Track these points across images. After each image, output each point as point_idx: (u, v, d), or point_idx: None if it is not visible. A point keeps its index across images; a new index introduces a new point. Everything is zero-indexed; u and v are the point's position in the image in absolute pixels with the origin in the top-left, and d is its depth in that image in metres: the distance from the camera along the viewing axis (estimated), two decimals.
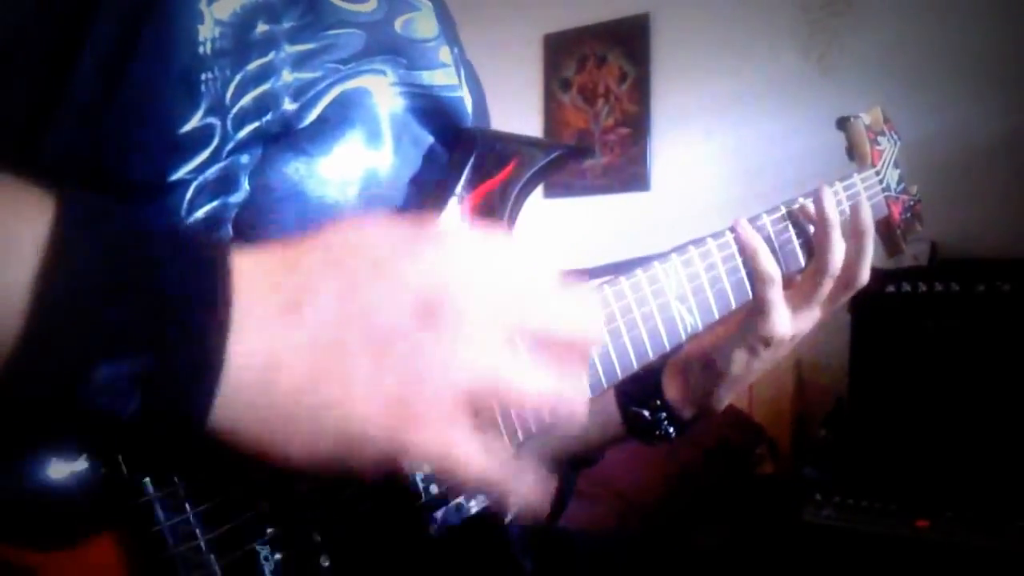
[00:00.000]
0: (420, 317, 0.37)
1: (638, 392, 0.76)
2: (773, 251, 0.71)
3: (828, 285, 0.72)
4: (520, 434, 0.56)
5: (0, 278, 0.31)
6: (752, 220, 0.71)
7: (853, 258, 0.73)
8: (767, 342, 0.71)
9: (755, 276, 0.69)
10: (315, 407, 0.36)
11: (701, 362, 0.75)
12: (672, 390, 0.76)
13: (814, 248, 0.72)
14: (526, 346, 0.40)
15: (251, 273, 0.36)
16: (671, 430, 0.76)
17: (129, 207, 0.37)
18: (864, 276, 0.73)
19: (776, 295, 0.70)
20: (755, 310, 0.70)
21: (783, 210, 0.74)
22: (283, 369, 0.35)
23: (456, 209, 0.59)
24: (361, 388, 0.36)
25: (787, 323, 0.71)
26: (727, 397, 0.75)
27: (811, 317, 0.73)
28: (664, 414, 0.76)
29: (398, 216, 0.55)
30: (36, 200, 0.33)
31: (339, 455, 0.37)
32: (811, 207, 0.73)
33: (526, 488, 0.40)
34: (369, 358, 0.37)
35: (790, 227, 0.73)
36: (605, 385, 0.61)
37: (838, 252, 0.71)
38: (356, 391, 0.36)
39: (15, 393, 0.32)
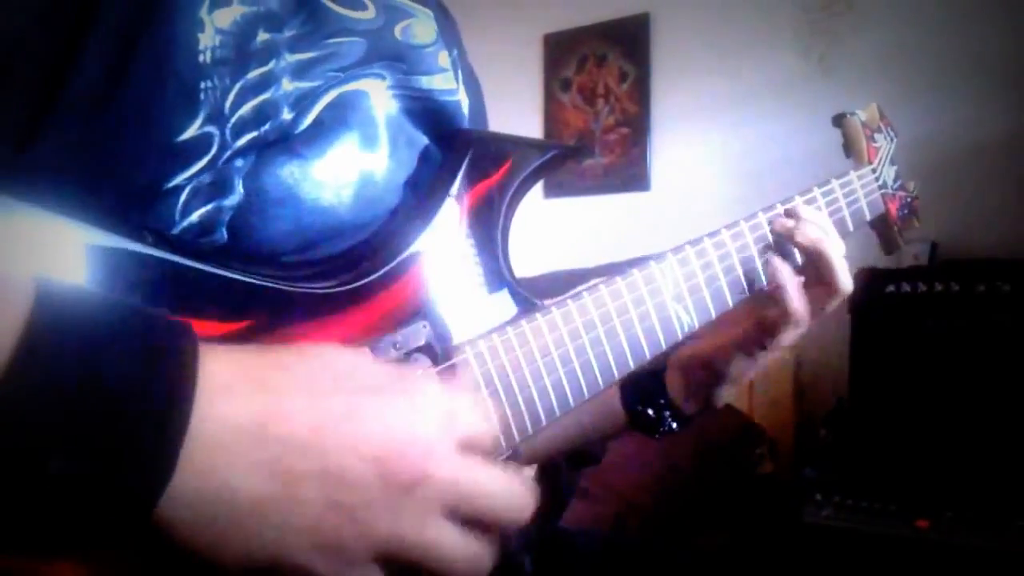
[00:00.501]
0: (371, 473, 0.39)
1: (642, 390, 0.78)
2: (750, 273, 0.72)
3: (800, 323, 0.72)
4: (504, 445, 0.57)
5: None
6: (748, 219, 0.72)
7: (829, 274, 0.72)
8: (774, 348, 0.73)
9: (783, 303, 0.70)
10: (257, 528, 0.36)
11: (701, 363, 0.76)
12: (674, 388, 0.77)
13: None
14: (460, 518, 0.42)
15: (219, 379, 0.37)
16: (674, 425, 0.77)
17: (106, 295, 0.38)
18: (844, 282, 0.73)
19: (792, 291, 0.70)
20: (761, 328, 0.72)
21: (779, 208, 0.74)
22: (233, 484, 0.36)
23: (452, 210, 0.59)
24: (304, 523, 0.37)
25: (790, 337, 0.72)
26: (727, 395, 0.77)
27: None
28: (668, 412, 0.77)
29: (381, 366, 0.57)
30: (16, 290, 0.34)
31: (268, 573, 0.37)
32: (803, 206, 0.74)
33: None
34: (319, 498, 0.38)
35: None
36: (602, 386, 0.62)
37: (797, 304, 0.71)
38: (299, 524, 0.37)
39: None
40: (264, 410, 0.38)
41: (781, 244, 0.73)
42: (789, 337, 0.73)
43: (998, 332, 1.70)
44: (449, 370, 0.55)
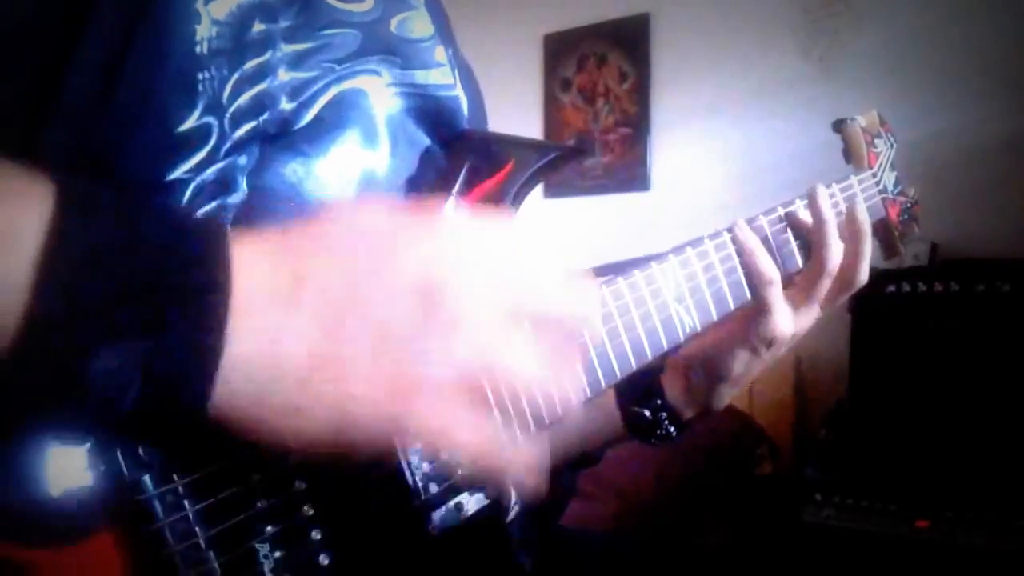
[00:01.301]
0: (417, 301, 0.38)
1: (638, 393, 0.77)
2: (771, 252, 0.71)
3: (826, 284, 0.72)
4: (518, 430, 0.56)
5: (5, 262, 0.31)
6: (750, 221, 0.72)
7: (851, 258, 0.73)
8: (769, 342, 0.72)
9: (754, 277, 0.69)
10: (314, 389, 0.36)
11: (702, 362, 0.75)
12: (673, 390, 0.76)
13: (812, 248, 0.73)
14: (522, 329, 0.40)
15: (250, 257, 0.37)
16: (672, 430, 0.76)
17: (128, 192, 0.37)
18: (863, 276, 0.74)
19: (775, 295, 0.70)
20: (756, 311, 0.71)
21: (780, 211, 0.74)
22: (282, 352, 0.36)
23: (454, 211, 0.59)
24: (359, 370, 0.37)
25: (788, 323, 0.71)
26: (728, 396, 0.75)
27: (811, 316, 0.73)
28: (665, 414, 0.76)
29: (394, 203, 0.55)
30: (36, 187, 0.33)
31: (337, 436, 0.37)
32: (804, 209, 0.74)
33: (522, 469, 0.41)
34: (367, 341, 0.37)
35: (788, 228, 0.74)
36: (604, 385, 0.62)
37: (835, 251, 0.71)
38: (355, 373, 0.37)
39: (16, 380, 0.32)
40: (299, 278, 0.37)
41: (800, 233, 0.73)
42: (796, 326, 0.72)
43: (998, 332, 1.70)
44: None
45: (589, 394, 0.61)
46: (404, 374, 0.37)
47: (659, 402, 0.76)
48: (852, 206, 0.74)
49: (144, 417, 0.33)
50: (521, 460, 0.41)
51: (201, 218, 0.37)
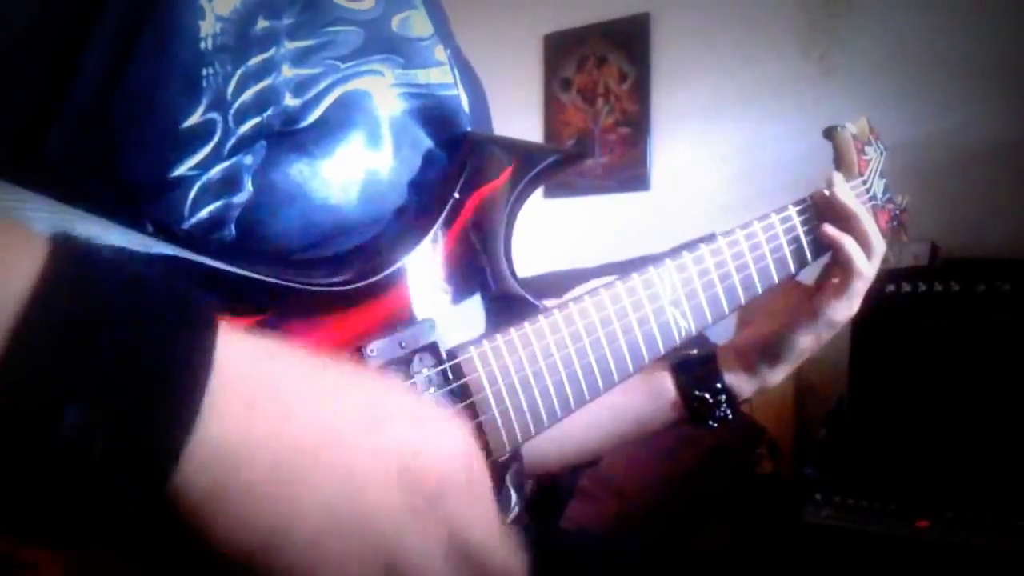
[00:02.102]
0: (396, 482, 0.38)
1: (697, 377, 0.81)
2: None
3: (865, 263, 0.78)
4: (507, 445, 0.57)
5: None
6: (761, 219, 0.74)
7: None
8: (835, 325, 0.78)
9: (847, 255, 0.76)
10: (269, 496, 0.35)
11: (761, 348, 0.81)
12: (730, 373, 0.81)
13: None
14: (459, 558, 0.40)
15: (241, 344, 0.36)
16: (728, 412, 0.81)
17: (127, 253, 0.37)
18: (875, 237, 0.79)
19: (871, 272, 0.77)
20: (831, 294, 0.77)
21: (792, 209, 0.78)
22: (252, 448, 0.35)
23: (455, 216, 0.59)
24: (316, 503, 0.36)
25: (853, 306, 0.78)
26: (782, 377, 0.82)
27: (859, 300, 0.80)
28: (723, 397, 0.80)
29: (414, 228, 0.56)
30: (29, 244, 0.33)
31: (263, 556, 0.36)
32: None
33: None
34: (336, 484, 0.36)
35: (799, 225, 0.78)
36: (603, 389, 0.62)
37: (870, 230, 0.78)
38: (311, 502, 0.36)
39: None
40: (290, 386, 0.36)
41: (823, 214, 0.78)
42: (856, 299, 0.78)
43: (998, 332, 1.70)
44: (454, 369, 0.55)
45: (588, 397, 0.61)
46: (352, 538, 0.36)
47: (718, 385, 0.80)
48: (832, 194, 0.79)
49: (103, 479, 0.32)
50: None
51: (194, 294, 0.36)
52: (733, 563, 0.98)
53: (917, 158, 1.96)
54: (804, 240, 0.77)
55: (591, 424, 0.80)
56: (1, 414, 0.30)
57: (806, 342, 0.80)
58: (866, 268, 0.77)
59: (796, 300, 0.80)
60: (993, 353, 1.70)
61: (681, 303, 0.66)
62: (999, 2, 2.10)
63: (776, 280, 0.75)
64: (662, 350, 0.65)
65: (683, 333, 0.67)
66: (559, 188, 2.77)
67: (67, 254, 0.33)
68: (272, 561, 0.36)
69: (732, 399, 0.81)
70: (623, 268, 0.65)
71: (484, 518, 0.41)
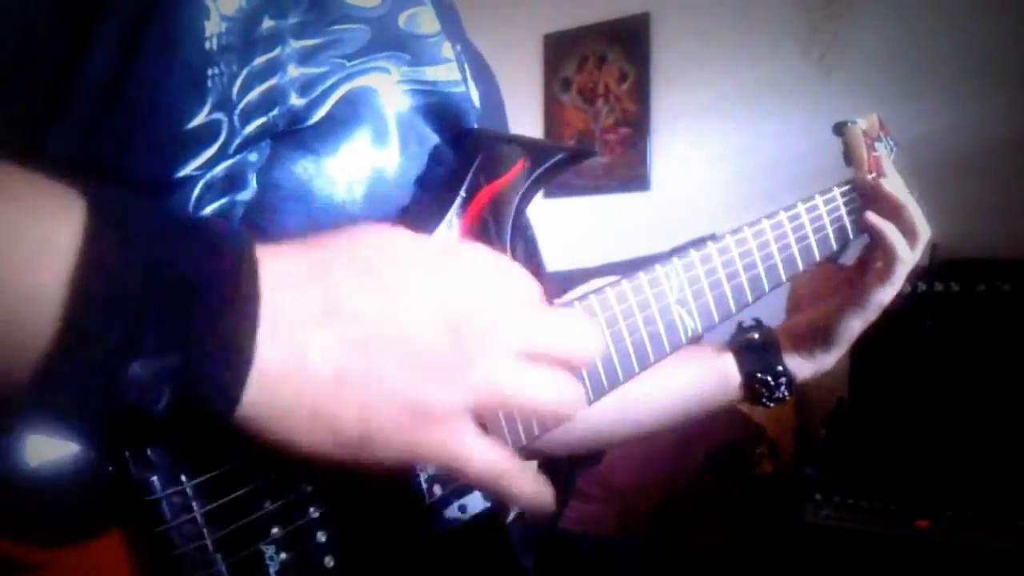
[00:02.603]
0: (441, 330, 0.40)
1: (760, 360, 0.84)
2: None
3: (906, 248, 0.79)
4: (524, 437, 0.57)
5: (36, 279, 0.32)
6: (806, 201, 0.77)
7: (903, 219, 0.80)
8: (880, 306, 0.81)
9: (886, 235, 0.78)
10: (337, 405, 0.37)
11: (814, 333, 0.83)
12: (789, 358, 0.84)
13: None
14: (534, 362, 0.43)
15: (281, 272, 0.37)
16: (786, 394, 0.84)
17: (158, 205, 0.38)
18: (923, 228, 0.80)
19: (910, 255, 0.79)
20: (875, 278, 0.80)
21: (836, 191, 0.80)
22: (308, 366, 0.37)
23: (461, 213, 0.59)
24: (382, 391, 0.38)
25: (899, 285, 0.81)
26: (835, 359, 0.85)
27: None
28: (784, 379, 0.84)
29: (419, 227, 0.57)
30: (68, 200, 0.34)
31: (356, 451, 0.38)
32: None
33: (529, 488, 0.43)
34: (392, 363, 0.38)
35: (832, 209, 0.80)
36: (607, 388, 0.62)
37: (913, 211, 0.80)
38: (377, 393, 0.38)
39: (51, 389, 0.32)
40: (326, 288, 0.38)
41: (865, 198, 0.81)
42: (899, 282, 0.80)
43: (998, 332, 1.70)
44: None
45: (593, 398, 0.61)
46: (424, 399, 0.39)
47: (779, 368, 0.83)
48: (878, 182, 0.82)
49: (174, 423, 0.34)
50: (528, 480, 0.43)
51: (231, 230, 0.38)
52: (733, 563, 0.98)
53: (917, 158, 1.95)
54: (813, 239, 0.77)
55: (655, 398, 0.82)
56: (73, 372, 0.32)
57: (856, 325, 0.82)
58: (909, 256, 0.79)
59: (841, 285, 0.83)
60: (993, 353, 1.70)
61: (688, 302, 0.66)
62: (999, 2, 2.10)
63: (784, 278, 0.75)
64: (668, 350, 0.65)
65: (689, 333, 0.67)
66: (559, 188, 2.77)
67: (104, 205, 0.34)
68: (366, 445, 0.38)
69: (791, 381, 0.84)
70: (623, 268, 0.64)
71: (535, 312, 0.44)
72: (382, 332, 0.38)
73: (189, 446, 0.37)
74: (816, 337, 0.83)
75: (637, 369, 0.63)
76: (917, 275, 1.79)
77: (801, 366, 0.84)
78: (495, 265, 0.44)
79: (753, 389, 0.84)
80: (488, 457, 0.41)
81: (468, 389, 0.40)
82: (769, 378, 0.83)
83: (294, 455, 0.38)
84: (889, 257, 0.79)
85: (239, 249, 0.37)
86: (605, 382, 0.61)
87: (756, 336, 0.85)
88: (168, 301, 0.33)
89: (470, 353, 0.40)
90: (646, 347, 0.63)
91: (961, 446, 1.66)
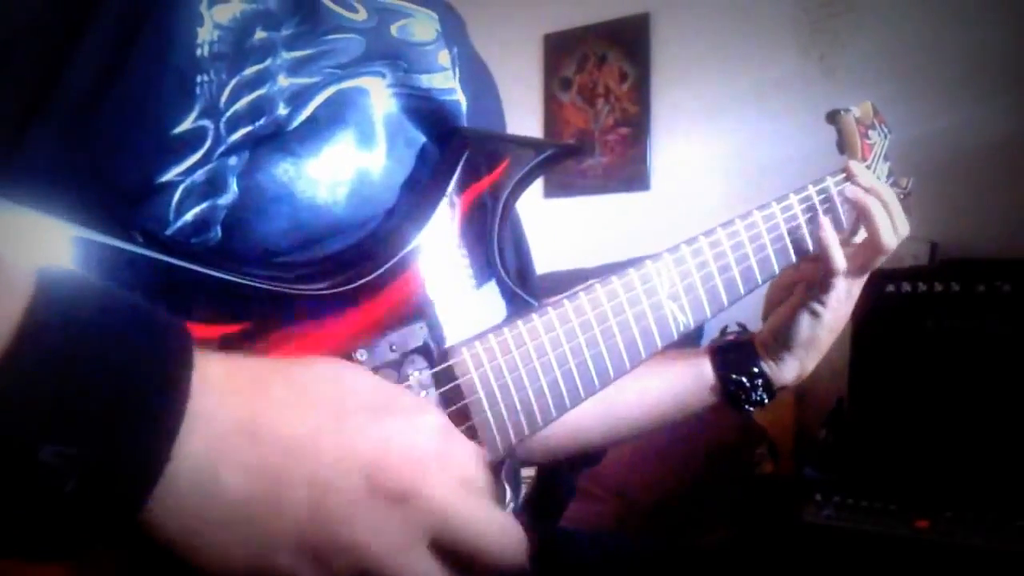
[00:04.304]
0: (357, 484, 0.38)
1: (736, 362, 0.83)
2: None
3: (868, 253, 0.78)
4: (513, 437, 0.57)
5: None
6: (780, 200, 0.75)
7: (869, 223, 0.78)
8: (832, 305, 0.79)
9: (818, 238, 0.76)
10: (235, 531, 0.36)
11: (773, 336, 0.82)
12: (766, 360, 0.83)
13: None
14: (443, 550, 0.40)
15: (214, 381, 0.37)
16: (764, 397, 0.82)
17: (107, 287, 0.37)
18: (887, 239, 0.78)
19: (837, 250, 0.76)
20: (820, 274, 0.77)
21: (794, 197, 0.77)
22: (218, 485, 0.36)
23: (448, 210, 0.59)
24: (290, 526, 0.37)
25: (843, 293, 0.79)
26: (812, 362, 0.83)
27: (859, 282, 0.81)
28: (760, 381, 0.82)
29: (406, 227, 0.56)
30: (15, 282, 0.33)
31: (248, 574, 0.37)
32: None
33: None
34: (306, 502, 0.37)
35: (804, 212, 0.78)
36: (599, 387, 0.62)
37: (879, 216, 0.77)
38: (284, 527, 0.37)
39: None
40: (258, 412, 0.37)
41: (830, 205, 0.78)
42: (841, 290, 0.79)
43: (998, 332, 1.70)
44: (446, 372, 0.55)
45: (583, 396, 0.61)
46: (324, 547, 0.37)
47: (755, 370, 0.82)
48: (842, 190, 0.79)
49: (85, 511, 0.33)
50: None
51: (175, 329, 0.37)
52: (733, 563, 0.98)
53: (917, 158, 1.96)
54: (805, 229, 0.77)
55: (632, 401, 0.81)
56: None
57: (804, 324, 0.80)
58: (890, 241, 0.77)
59: (797, 286, 0.81)
60: (993, 353, 1.69)
61: (680, 297, 0.66)
62: (999, 2, 2.10)
63: (777, 270, 0.74)
64: (659, 345, 0.65)
65: (681, 327, 0.66)
66: (559, 188, 2.77)
67: (50, 295, 0.33)
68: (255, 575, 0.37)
69: (769, 384, 0.82)
70: (623, 268, 0.64)
71: (465, 501, 0.41)
72: (300, 468, 0.37)
73: (104, 539, 0.35)
74: (777, 341, 0.82)
75: (628, 366, 0.63)
76: (917, 275, 1.79)
77: (776, 371, 0.83)
78: (442, 433, 0.42)
79: (729, 391, 0.83)
80: None
81: (366, 556, 0.38)
82: (744, 379, 0.82)
83: (193, 566, 0.36)
84: (871, 241, 0.77)
85: (175, 350, 0.36)
86: (597, 381, 0.61)
87: (732, 338, 0.84)
88: (91, 391, 0.33)
89: (382, 518, 0.38)
90: (637, 343, 0.63)
91: (961, 446, 1.66)
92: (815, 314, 0.79)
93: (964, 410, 1.69)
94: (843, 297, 0.80)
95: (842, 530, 1.57)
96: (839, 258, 0.76)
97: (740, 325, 0.85)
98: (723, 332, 0.83)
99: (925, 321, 1.77)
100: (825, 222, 0.76)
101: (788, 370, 0.82)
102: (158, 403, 0.34)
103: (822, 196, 0.78)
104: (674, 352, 0.73)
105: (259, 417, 0.37)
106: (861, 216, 0.78)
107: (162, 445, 0.34)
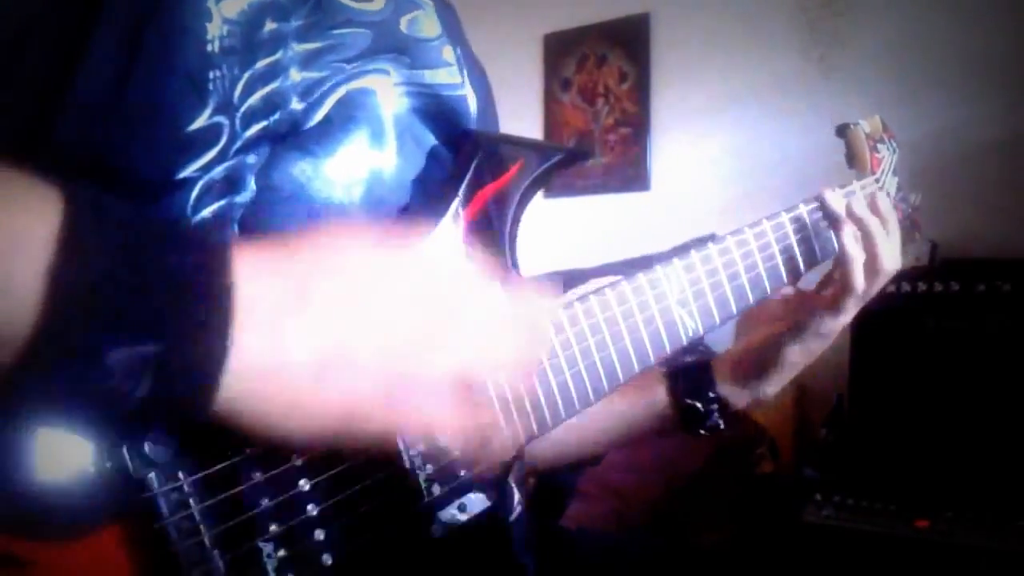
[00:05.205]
0: (414, 313, 0.41)
1: (691, 385, 0.80)
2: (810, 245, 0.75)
3: (859, 278, 0.74)
4: (535, 427, 0.57)
5: (15, 271, 0.32)
6: (771, 218, 0.73)
7: (866, 243, 0.75)
8: (826, 337, 0.76)
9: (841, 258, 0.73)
10: (318, 388, 0.38)
11: (753, 358, 0.79)
12: (724, 383, 0.80)
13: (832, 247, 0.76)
14: (503, 332, 0.45)
15: (255, 265, 0.38)
16: (720, 422, 0.80)
17: (134, 202, 0.38)
18: (887, 261, 0.75)
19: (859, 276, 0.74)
20: (821, 306, 0.75)
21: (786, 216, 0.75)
22: (287, 353, 0.37)
23: (459, 214, 0.59)
24: (361, 373, 0.39)
25: (843, 316, 0.75)
26: (778, 387, 0.80)
27: (850, 313, 0.77)
28: (715, 406, 0.79)
29: (418, 228, 0.57)
30: (44, 195, 0.34)
31: (341, 431, 0.39)
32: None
33: (504, 454, 0.47)
34: (367, 346, 0.39)
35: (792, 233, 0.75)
36: (607, 389, 0.62)
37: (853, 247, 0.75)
38: (357, 376, 0.39)
39: (32, 379, 0.33)
40: (300, 281, 0.39)
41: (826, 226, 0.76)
42: (848, 314, 0.76)
43: (998, 332, 1.70)
44: None
45: (593, 399, 0.61)
46: (402, 375, 0.40)
47: (711, 395, 0.79)
48: (850, 202, 0.76)
49: (154, 411, 0.35)
50: (503, 448, 0.46)
51: (206, 227, 0.39)
52: (733, 563, 0.98)
53: (917, 158, 1.95)
54: (815, 241, 0.76)
55: (583, 425, 0.80)
56: (52, 361, 0.32)
57: (794, 354, 0.77)
58: (861, 286, 0.74)
59: (786, 311, 0.79)
60: (993, 353, 1.70)
61: (688, 303, 0.66)
62: (999, 2, 2.10)
63: (785, 280, 0.74)
64: (668, 350, 0.65)
65: (690, 333, 0.66)
66: (559, 188, 2.77)
67: (81, 200, 0.34)
68: (344, 427, 0.39)
69: (725, 409, 0.80)
70: (623, 268, 0.64)
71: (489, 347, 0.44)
72: (355, 318, 0.39)
73: (177, 436, 0.37)
74: (751, 365, 0.79)
75: (637, 370, 0.63)
76: (917, 275, 1.79)
77: (737, 394, 0.80)
78: (462, 271, 0.46)
79: (682, 416, 0.80)
80: (462, 426, 0.43)
81: (441, 364, 0.41)
82: (699, 404, 0.79)
83: (280, 441, 0.38)
84: (845, 284, 0.74)
85: (214, 242, 0.37)
86: (606, 384, 0.61)
87: (689, 360, 0.82)
88: (143, 291, 0.34)
89: (443, 334, 0.41)
90: (646, 348, 0.64)
91: (961, 446, 1.66)
92: (801, 339, 0.77)
93: (964, 410, 1.69)
94: (823, 332, 0.77)
95: (842, 530, 1.57)
96: (860, 278, 0.74)
97: (701, 343, 0.83)
98: (683, 350, 0.80)
99: (925, 321, 1.77)
100: (850, 235, 0.74)
101: (752, 393, 0.80)
102: (211, 293, 0.36)
103: (822, 213, 0.77)
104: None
105: (304, 284, 0.39)
106: (864, 240, 0.75)
107: (222, 331, 0.35)
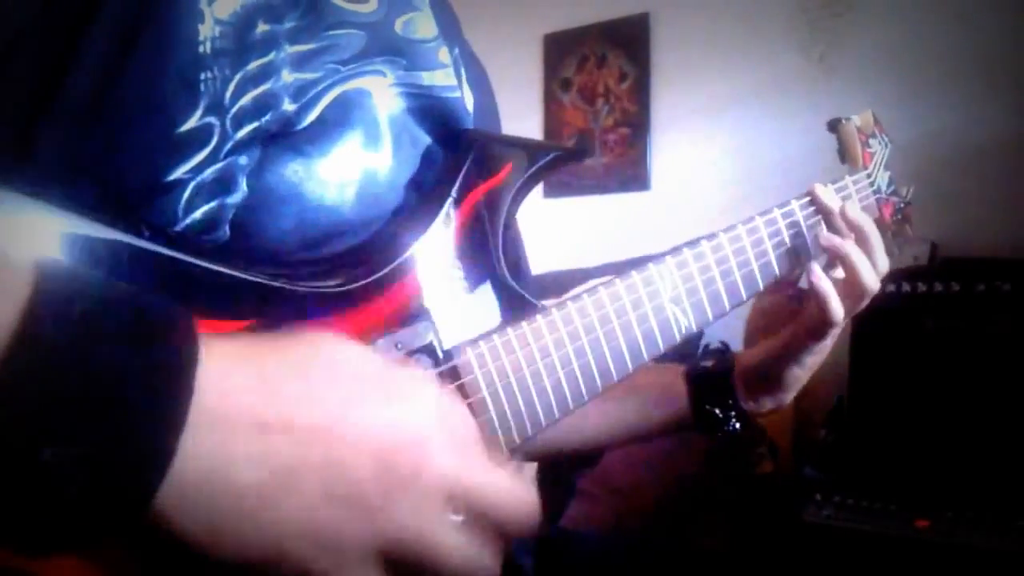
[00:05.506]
0: (370, 467, 0.38)
1: (711, 389, 0.81)
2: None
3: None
4: (504, 447, 0.57)
5: None
6: (763, 215, 0.73)
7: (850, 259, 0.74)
8: (821, 352, 0.77)
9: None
10: (252, 521, 0.36)
11: (759, 375, 0.80)
12: (741, 391, 0.81)
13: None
14: (461, 516, 0.41)
15: (221, 372, 0.36)
16: (737, 426, 0.81)
17: (107, 281, 0.36)
18: (868, 280, 0.74)
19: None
20: (808, 336, 0.75)
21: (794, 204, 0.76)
22: (229, 478, 0.35)
23: (451, 216, 0.59)
24: (302, 515, 0.37)
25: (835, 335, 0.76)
26: (789, 397, 0.81)
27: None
28: (734, 412, 0.80)
29: (412, 227, 0.56)
30: (14, 274, 0.33)
31: (265, 566, 0.37)
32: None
33: None
34: (317, 489, 0.37)
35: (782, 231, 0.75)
36: (600, 388, 0.62)
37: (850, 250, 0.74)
38: (297, 516, 0.36)
39: None
40: (263, 400, 0.37)
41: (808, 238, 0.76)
42: (830, 339, 0.76)
43: (998, 332, 1.70)
44: (451, 371, 0.55)
45: (587, 397, 0.61)
46: (339, 536, 0.37)
47: (731, 401, 0.80)
48: (843, 204, 0.76)
49: (92, 513, 0.33)
50: None
51: (179, 317, 0.36)
52: (733, 563, 0.98)
53: (917, 158, 1.96)
54: (807, 235, 0.77)
55: (602, 417, 0.80)
56: None
57: (792, 374, 0.79)
58: (839, 317, 0.73)
59: (788, 321, 0.79)
60: (993, 353, 1.69)
61: (682, 300, 0.66)
62: (999, 2, 2.10)
63: (778, 274, 0.74)
64: (662, 348, 0.65)
65: (683, 330, 0.67)
66: (559, 188, 2.77)
67: (52, 282, 0.33)
68: (272, 566, 0.36)
69: (743, 416, 0.81)
70: (623, 268, 0.64)
71: (474, 464, 0.42)
72: (311, 455, 0.37)
73: (114, 536, 0.34)
74: (759, 381, 0.80)
75: (631, 368, 0.63)
76: (917, 275, 1.79)
77: (757, 402, 0.81)
78: (439, 403, 0.42)
79: (702, 421, 0.81)
80: None
81: (386, 533, 0.38)
82: (718, 411, 0.80)
83: (209, 561, 0.36)
84: (823, 319, 0.74)
85: (179, 342, 0.35)
86: (599, 383, 0.61)
87: (712, 366, 0.82)
88: (92, 389, 0.32)
89: (396, 495, 0.38)
90: (640, 346, 0.64)
91: (961, 446, 1.66)
92: (803, 361, 0.78)
93: (964, 410, 1.69)
94: (816, 351, 0.78)
95: (842, 530, 1.57)
96: (837, 308, 0.73)
97: (723, 344, 0.84)
98: (705, 349, 0.81)
99: (925, 321, 1.77)
100: (817, 271, 0.73)
101: (766, 405, 0.81)
102: (162, 398, 0.34)
103: (814, 208, 0.77)
104: (650, 369, 0.71)
105: (262, 406, 0.37)
106: (841, 263, 0.75)
107: (168, 440, 0.33)
